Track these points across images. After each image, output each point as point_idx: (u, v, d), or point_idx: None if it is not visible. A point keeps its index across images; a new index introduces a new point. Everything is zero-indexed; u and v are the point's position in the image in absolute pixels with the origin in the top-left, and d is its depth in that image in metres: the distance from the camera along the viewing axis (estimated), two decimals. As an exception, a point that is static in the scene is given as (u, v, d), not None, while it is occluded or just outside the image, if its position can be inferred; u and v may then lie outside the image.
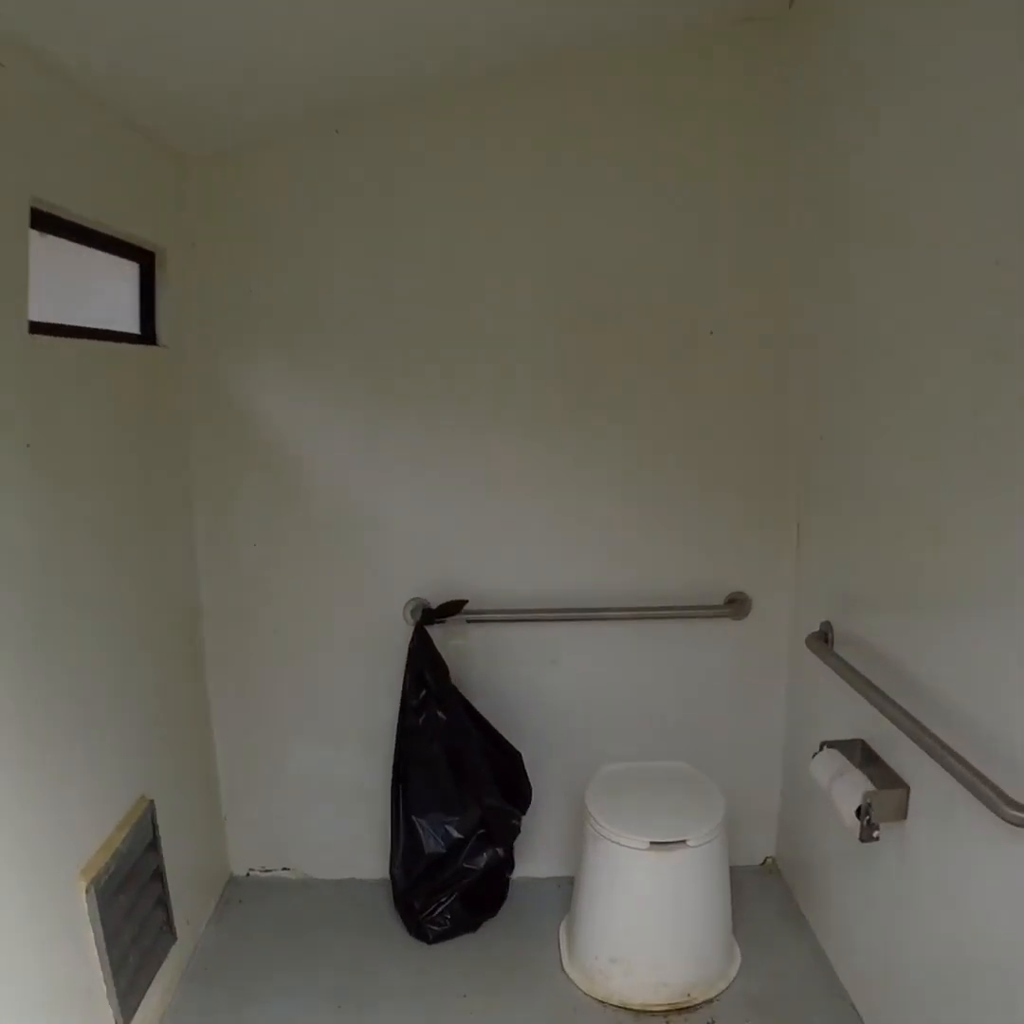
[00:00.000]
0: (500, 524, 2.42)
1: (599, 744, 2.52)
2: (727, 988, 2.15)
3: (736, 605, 2.45)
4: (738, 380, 2.36)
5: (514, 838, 2.34)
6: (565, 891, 2.42)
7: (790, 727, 2.51)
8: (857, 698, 1.82)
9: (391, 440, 2.37)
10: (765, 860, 2.64)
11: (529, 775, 2.42)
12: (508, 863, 2.39)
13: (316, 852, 2.61)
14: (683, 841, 2.04)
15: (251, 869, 2.62)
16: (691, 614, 2.43)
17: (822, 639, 2.11)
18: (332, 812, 2.57)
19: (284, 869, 2.62)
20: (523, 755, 2.42)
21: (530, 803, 2.41)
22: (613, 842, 2.07)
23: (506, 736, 2.42)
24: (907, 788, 1.73)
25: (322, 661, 2.50)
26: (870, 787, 1.77)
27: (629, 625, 2.45)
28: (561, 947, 2.30)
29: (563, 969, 2.24)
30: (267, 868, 2.62)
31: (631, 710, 2.53)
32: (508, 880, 2.46)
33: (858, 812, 1.73)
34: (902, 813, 1.73)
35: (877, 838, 1.73)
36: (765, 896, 2.50)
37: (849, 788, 1.80)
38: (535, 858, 2.57)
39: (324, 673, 2.50)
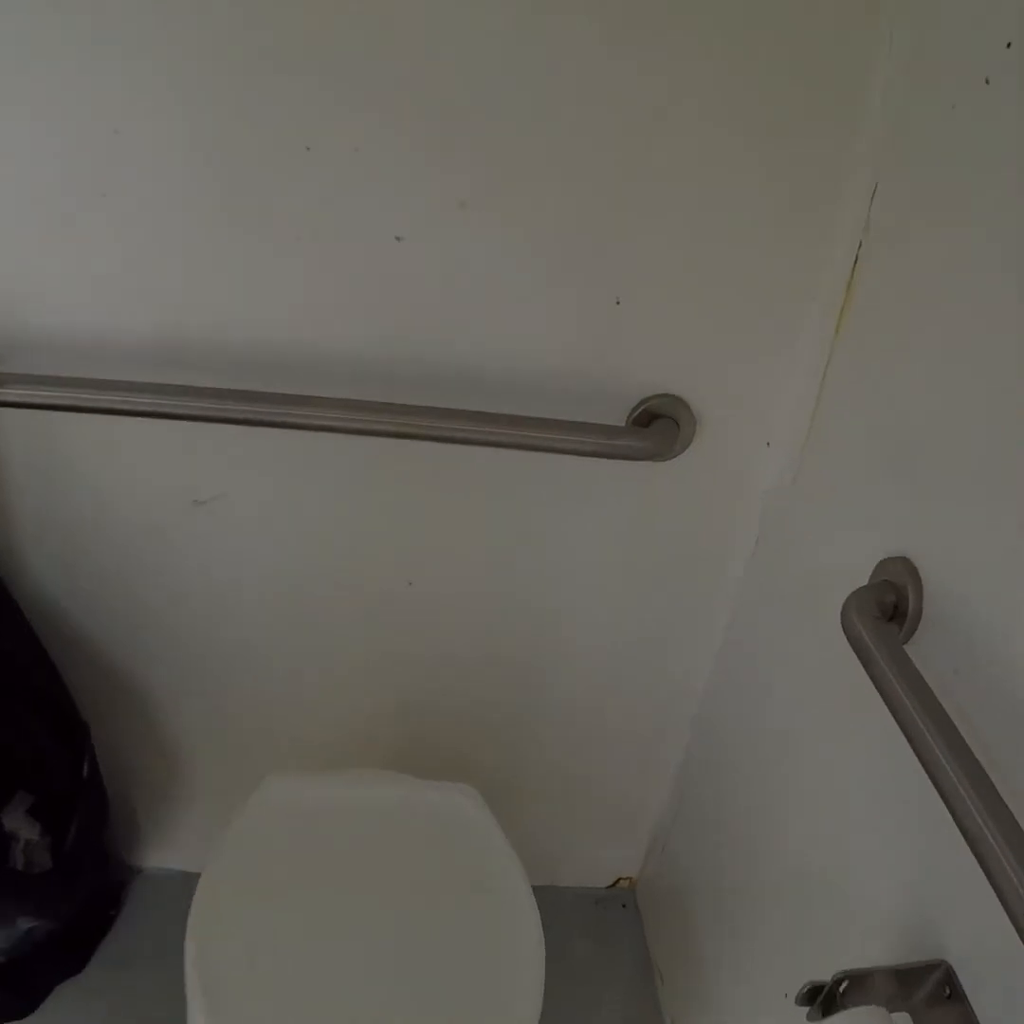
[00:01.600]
0: (96, 168, 0.84)
1: (287, 700, 1.19)
2: None
3: (658, 428, 1.02)
4: None
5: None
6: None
7: (710, 715, 1.21)
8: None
9: None
10: (617, 882, 1.46)
11: (105, 762, 1.08)
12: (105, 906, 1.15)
13: None
14: None
15: None
16: (550, 442, 0.96)
17: (883, 609, 0.71)
18: None
19: None
20: (91, 728, 1.08)
21: (105, 823, 1.08)
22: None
23: (71, 681, 1.06)
24: None
25: None
26: None
27: (409, 450, 0.98)
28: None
29: None
30: None
31: (377, 629, 1.15)
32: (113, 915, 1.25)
33: None
34: None
35: None
36: (609, 958, 1.33)
37: None
38: (166, 843, 1.35)
39: None
